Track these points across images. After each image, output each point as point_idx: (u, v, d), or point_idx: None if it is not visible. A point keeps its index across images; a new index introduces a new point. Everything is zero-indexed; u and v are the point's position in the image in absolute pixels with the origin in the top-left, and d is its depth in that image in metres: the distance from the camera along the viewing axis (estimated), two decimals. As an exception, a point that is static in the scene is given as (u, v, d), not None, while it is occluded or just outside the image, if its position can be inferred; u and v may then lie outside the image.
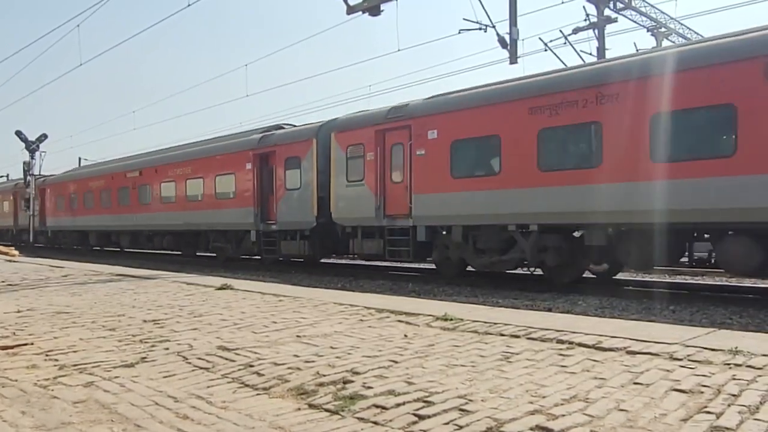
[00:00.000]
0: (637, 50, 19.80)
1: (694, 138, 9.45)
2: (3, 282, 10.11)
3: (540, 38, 28.19)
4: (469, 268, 13.33)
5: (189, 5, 15.78)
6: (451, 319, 5.51)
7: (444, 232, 13.12)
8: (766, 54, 8.53)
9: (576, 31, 21.60)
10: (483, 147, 12.17)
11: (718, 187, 8.85)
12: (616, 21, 21.64)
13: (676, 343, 4.27)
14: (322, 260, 18.20)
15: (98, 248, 27.32)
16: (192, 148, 21.55)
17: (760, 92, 8.45)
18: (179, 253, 21.97)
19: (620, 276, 13.67)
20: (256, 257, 18.75)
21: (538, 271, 12.46)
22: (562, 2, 19.81)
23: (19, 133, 29.48)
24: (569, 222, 10.90)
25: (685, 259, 10.97)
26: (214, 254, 20.25)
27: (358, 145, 14.47)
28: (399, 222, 13.58)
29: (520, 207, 11.38)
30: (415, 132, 13.12)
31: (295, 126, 18.16)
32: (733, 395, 3.13)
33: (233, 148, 18.65)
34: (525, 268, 12.70)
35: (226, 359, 4.18)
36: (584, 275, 12.43)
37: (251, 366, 3.97)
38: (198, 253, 21.22)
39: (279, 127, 18.47)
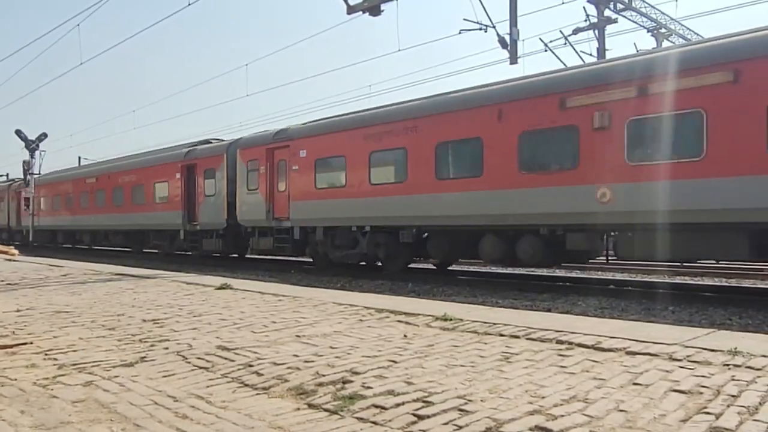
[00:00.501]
0: (637, 50, 19.79)
1: (462, 162, 12.65)
2: (2, 281, 10.11)
3: (540, 38, 28.19)
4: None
5: (189, 4, 15.78)
6: (451, 320, 5.51)
7: (312, 232, 16.05)
8: (499, 102, 11.82)
9: (576, 31, 21.64)
10: (335, 164, 15.22)
11: (472, 199, 12.12)
12: (616, 22, 21.68)
13: (675, 344, 4.27)
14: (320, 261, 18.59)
15: (69, 246, 30.12)
16: (136, 159, 25.00)
17: (495, 128, 11.78)
18: (129, 249, 25.24)
19: (620, 277, 13.73)
20: (258, 256, 20.59)
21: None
22: (563, 3, 19.84)
23: (18, 132, 29.46)
24: (392, 224, 13.84)
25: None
26: (156, 251, 23.38)
27: (255, 160, 17.69)
28: (283, 223, 16.62)
29: (359, 213, 14.40)
30: (292, 151, 16.34)
31: (222, 140, 21.26)
32: (733, 396, 3.13)
33: (167, 160, 21.99)
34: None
35: (226, 359, 4.18)
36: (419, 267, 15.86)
37: (251, 366, 3.97)
38: (144, 250, 24.38)
39: (207, 141, 21.77)
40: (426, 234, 13.83)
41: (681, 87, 9.26)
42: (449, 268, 15.82)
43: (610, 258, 13.82)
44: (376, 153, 13.97)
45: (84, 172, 28.22)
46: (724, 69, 8.92)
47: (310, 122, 16.80)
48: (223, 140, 21.22)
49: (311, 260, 17.06)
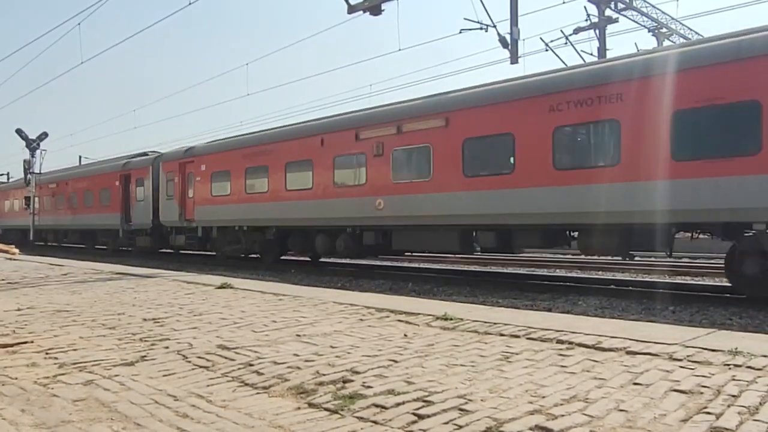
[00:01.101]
0: (638, 49, 19.75)
1: (301, 179, 15.98)
2: (3, 280, 10.11)
3: (541, 38, 28.12)
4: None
5: (190, 3, 15.77)
6: (451, 319, 5.51)
7: (211, 231, 19.70)
8: (322, 132, 15.52)
9: (577, 31, 21.59)
10: (224, 177, 18.74)
11: (307, 207, 15.71)
12: (617, 21, 21.63)
13: (675, 344, 4.27)
14: (322, 260, 18.74)
15: (40, 243, 32.99)
16: (86, 168, 29.66)
17: (320, 153, 15.44)
18: (83, 245, 28.82)
19: (620, 276, 13.74)
20: (251, 257, 21.29)
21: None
22: (564, 2, 19.81)
23: (19, 132, 29.52)
24: (263, 225, 17.58)
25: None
26: (105, 246, 27.16)
27: (171, 172, 21.41)
28: (191, 224, 20.28)
29: (238, 216, 18.14)
30: (197, 165, 20.15)
31: (159, 152, 24.70)
32: (733, 396, 3.13)
33: (109, 170, 26.03)
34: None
35: (226, 358, 4.18)
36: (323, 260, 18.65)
37: (251, 365, 3.97)
38: (95, 246, 28.03)
39: (144, 154, 25.29)
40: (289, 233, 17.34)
41: (419, 128, 13.14)
42: (321, 260, 18.75)
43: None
44: (251, 168, 17.67)
45: (47, 178, 31.79)
46: (440, 117, 12.77)
47: (210, 142, 20.98)
48: (158, 152, 25.02)
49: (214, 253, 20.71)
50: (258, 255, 18.84)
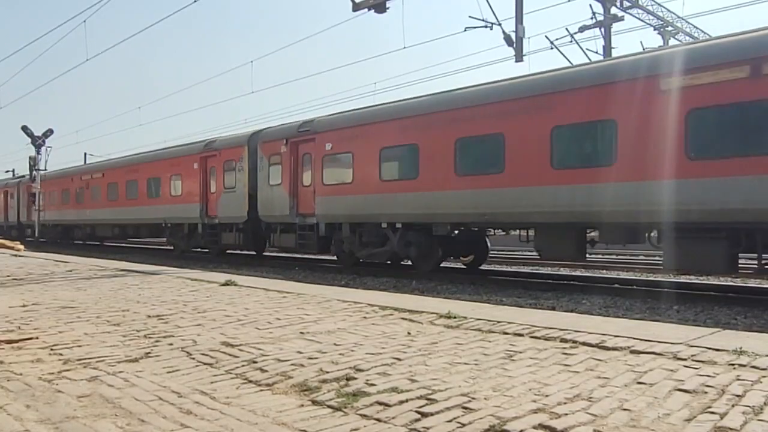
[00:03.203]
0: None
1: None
2: (8, 276, 10.16)
3: (546, 36, 28.07)
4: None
5: (195, 1, 15.79)
6: (455, 317, 5.51)
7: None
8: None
9: (582, 29, 21.50)
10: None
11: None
12: (622, 19, 21.56)
13: (680, 343, 4.26)
14: (324, 257, 18.52)
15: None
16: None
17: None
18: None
19: (624, 276, 13.70)
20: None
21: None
22: (569, 0, 19.76)
23: (25, 128, 29.62)
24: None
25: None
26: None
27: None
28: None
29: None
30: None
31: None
32: (737, 396, 3.12)
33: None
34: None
35: (230, 355, 4.19)
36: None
37: (255, 362, 3.98)
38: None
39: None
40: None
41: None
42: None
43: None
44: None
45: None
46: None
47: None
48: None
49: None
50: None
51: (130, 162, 25.62)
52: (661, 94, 9.54)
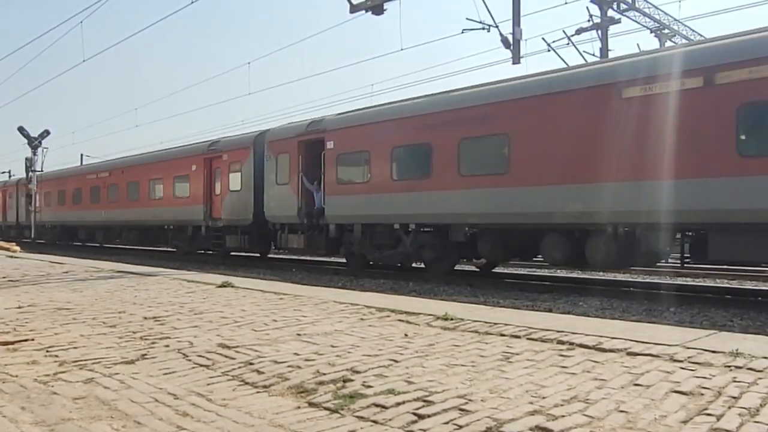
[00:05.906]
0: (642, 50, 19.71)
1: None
2: (4, 278, 10.12)
3: (543, 38, 28.05)
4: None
5: (192, 2, 15.78)
6: (452, 319, 5.51)
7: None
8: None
9: (579, 31, 21.54)
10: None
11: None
12: (619, 22, 21.60)
13: (676, 345, 4.26)
14: (321, 258, 18.58)
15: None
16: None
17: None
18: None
19: (621, 277, 13.73)
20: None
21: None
22: (566, 2, 19.80)
23: (21, 129, 29.58)
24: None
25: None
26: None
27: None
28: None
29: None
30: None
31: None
32: (734, 397, 3.12)
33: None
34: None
35: (227, 357, 4.18)
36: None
37: (251, 364, 3.97)
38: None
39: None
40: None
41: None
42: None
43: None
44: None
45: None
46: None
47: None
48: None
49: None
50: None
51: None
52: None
